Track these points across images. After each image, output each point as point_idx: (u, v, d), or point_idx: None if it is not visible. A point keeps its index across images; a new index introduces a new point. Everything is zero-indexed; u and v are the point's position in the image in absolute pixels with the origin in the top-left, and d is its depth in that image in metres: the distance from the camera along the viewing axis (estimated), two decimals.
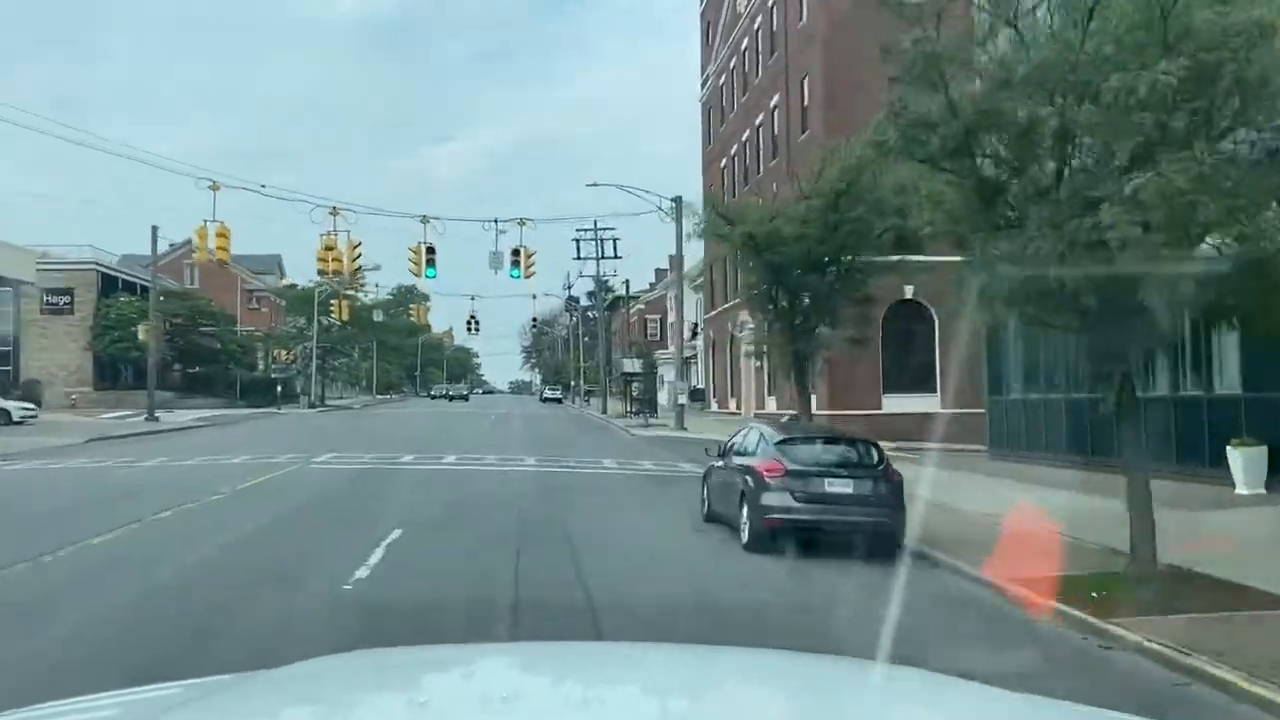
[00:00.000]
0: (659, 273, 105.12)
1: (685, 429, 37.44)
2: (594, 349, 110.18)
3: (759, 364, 45.61)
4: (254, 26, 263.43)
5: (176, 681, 2.38)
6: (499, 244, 31.86)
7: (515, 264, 32.42)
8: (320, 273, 29.54)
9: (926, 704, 2.29)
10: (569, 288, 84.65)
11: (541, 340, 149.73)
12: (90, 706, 2.26)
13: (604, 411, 57.28)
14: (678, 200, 40.28)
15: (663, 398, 54.30)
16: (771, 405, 43.07)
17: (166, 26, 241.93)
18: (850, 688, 2.41)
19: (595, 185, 36.17)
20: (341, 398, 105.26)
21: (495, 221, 31.34)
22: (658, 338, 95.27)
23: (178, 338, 69.53)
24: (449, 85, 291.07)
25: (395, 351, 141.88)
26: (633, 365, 48.53)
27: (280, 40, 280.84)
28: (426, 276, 30.65)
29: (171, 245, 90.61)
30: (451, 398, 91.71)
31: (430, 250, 30.38)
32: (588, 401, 78.01)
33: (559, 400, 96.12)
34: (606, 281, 59.35)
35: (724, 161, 52.47)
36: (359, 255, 29.23)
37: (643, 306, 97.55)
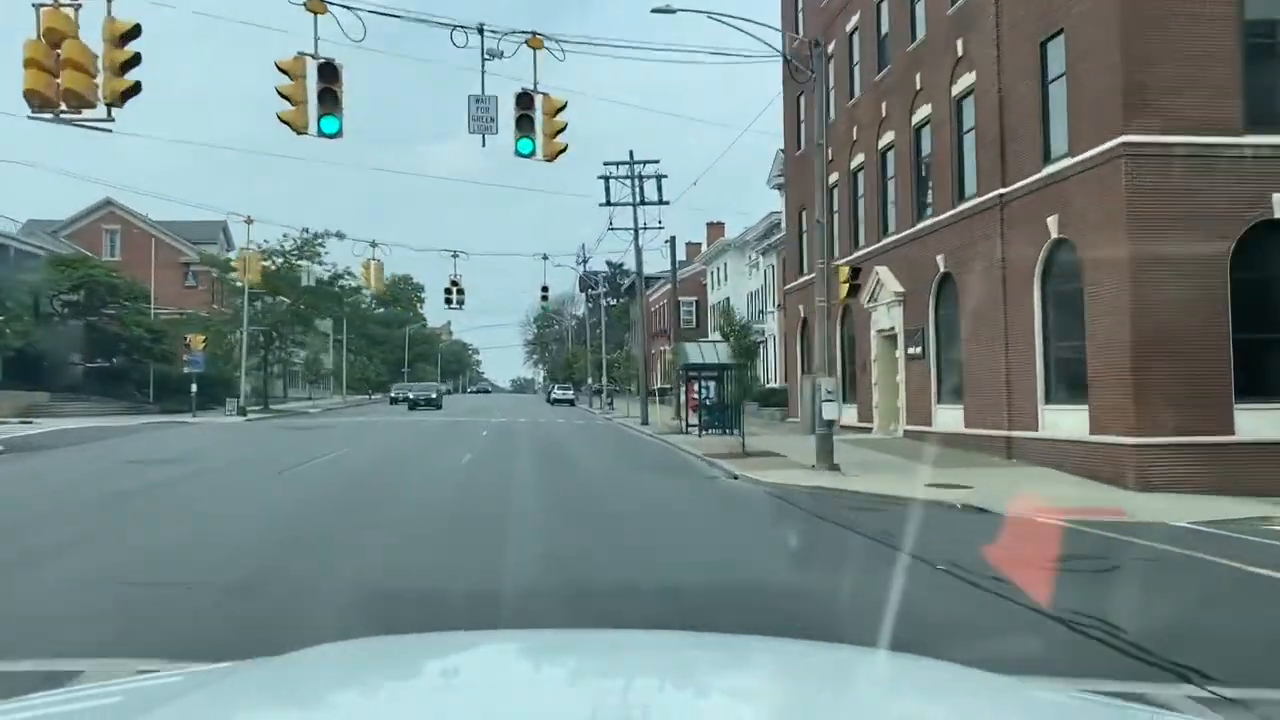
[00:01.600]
0: (691, 247, 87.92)
1: (838, 468, 20.23)
2: (617, 337, 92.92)
3: (916, 350, 28.43)
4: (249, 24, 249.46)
5: (179, 669, 2.40)
6: (485, 85, 14.56)
7: (525, 127, 14.97)
8: (30, 98, 12.23)
9: (934, 693, 2.21)
10: (584, 261, 67.52)
11: (547, 333, 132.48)
12: (93, 694, 2.22)
13: (645, 421, 40.06)
14: (815, 45, 23.05)
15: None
16: (950, 420, 25.80)
17: (157, 24, 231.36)
18: (858, 676, 2.39)
19: (667, 11, 18.99)
20: (310, 398, 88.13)
21: (480, 31, 14.09)
22: (693, 325, 78.20)
23: (71, 320, 52.45)
24: (445, 80, 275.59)
25: (380, 345, 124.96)
26: (702, 353, 31.16)
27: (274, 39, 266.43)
28: (321, 130, 13.47)
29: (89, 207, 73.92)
30: (415, 403, 61.08)
31: (328, 72, 13.16)
32: (611, 404, 60.70)
33: (571, 402, 79.08)
34: (630, 265, 42.04)
35: (854, 19, 34.27)
36: (133, 57, 12.12)
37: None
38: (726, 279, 64.50)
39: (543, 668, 2.45)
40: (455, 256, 36.27)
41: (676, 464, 23.68)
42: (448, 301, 36.92)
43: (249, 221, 36.49)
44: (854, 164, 33.23)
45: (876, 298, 30.58)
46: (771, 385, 45.46)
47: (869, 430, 30.95)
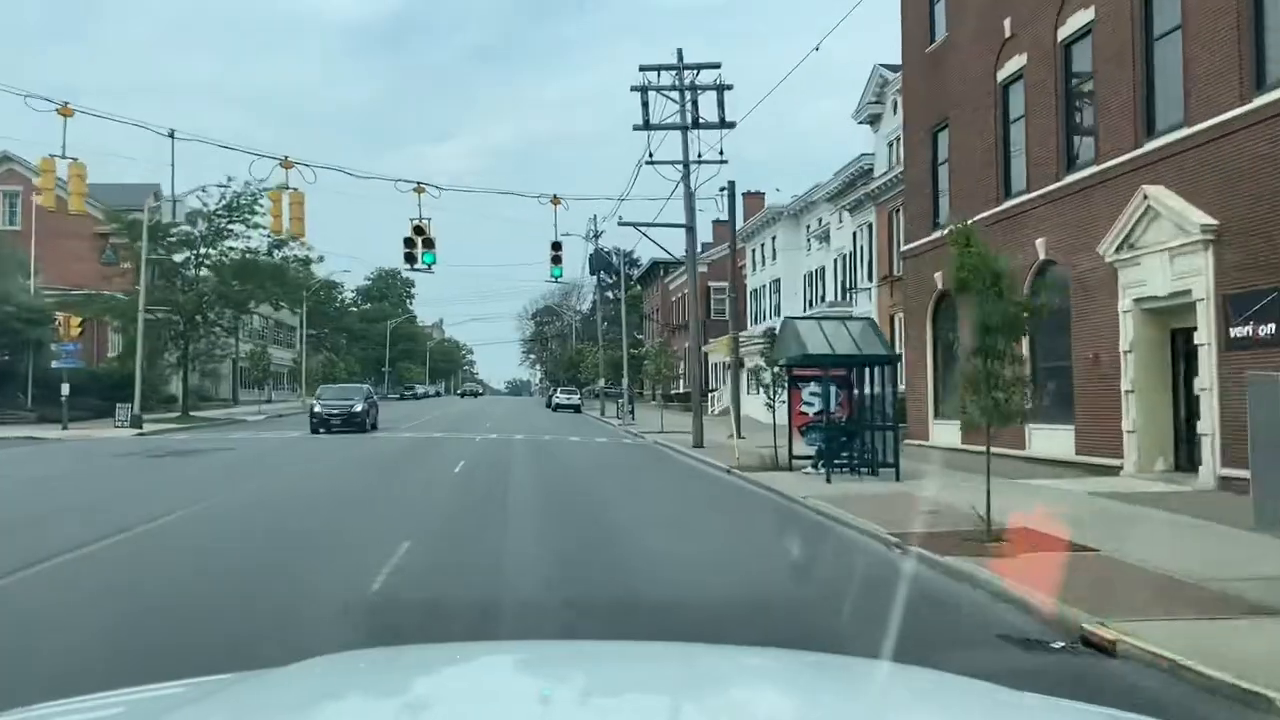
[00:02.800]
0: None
1: None
2: (623, 335, 79.92)
3: (1264, 330, 15.51)
4: (247, 23, 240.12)
5: (179, 681, 2.28)
6: None
7: None
8: None
9: (931, 704, 2.18)
10: (596, 234, 54.85)
11: (547, 329, 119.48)
12: (93, 705, 2.19)
13: (699, 444, 27.28)
14: None
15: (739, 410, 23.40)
16: None
17: (160, 23, 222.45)
18: (857, 688, 2.36)
19: None
20: (269, 400, 75.01)
21: None
22: (725, 317, 65.13)
23: None
24: (446, 81, 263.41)
25: (360, 341, 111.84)
26: (827, 338, 18.13)
27: (275, 39, 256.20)
28: None
29: None
30: (325, 422, 35.83)
31: None
32: (632, 413, 47.82)
33: (576, 408, 66.25)
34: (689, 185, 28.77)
35: None
36: None
37: (704, 269, 67.45)
38: (775, 257, 51.69)
39: (543, 680, 2.36)
40: (420, 191, 23.49)
41: (891, 586, 10.46)
42: (409, 258, 23.99)
43: (65, 113, 23.01)
44: (1064, 33, 20.37)
45: (1135, 240, 17.70)
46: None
47: (1113, 470, 18.07)
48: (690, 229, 28.44)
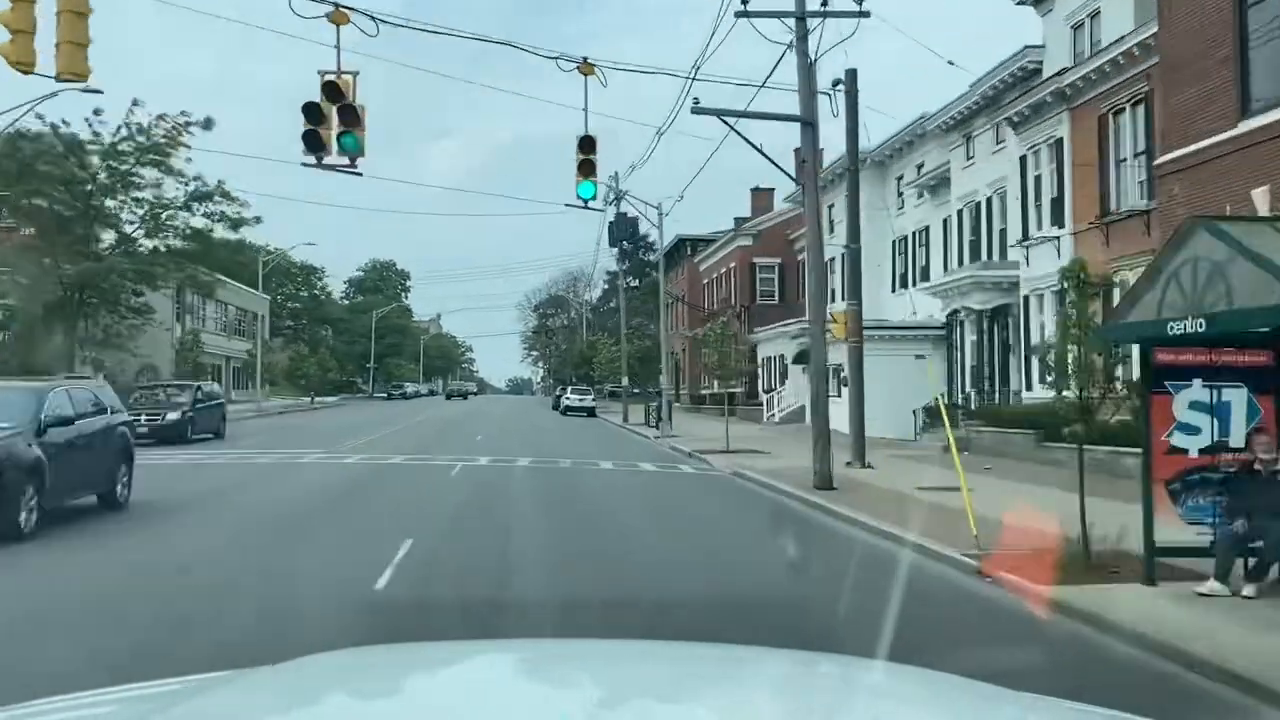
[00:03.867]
0: (758, 195, 63.20)
1: None
2: (643, 327, 68.70)
3: None
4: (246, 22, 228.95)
5: (174, 678, 2.24)
6: None
7: None
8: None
9: (930, 705, 2.14)
10: (618, 198, 43.44)
11: (553, 321, 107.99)
12: (87, 703, 2.17)
13: (826, 483, 16.00)
14: None
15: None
16: None
17: (158, 20, 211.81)
18: (854, 687, 2.31)
19: None
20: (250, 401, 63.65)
21: None
22: (774, 299, 53.76)
23: None
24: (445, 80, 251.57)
25: (342, 335, 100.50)
26: None
27: (274, 38, 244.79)
28: None
29: None
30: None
31: None
32: (669, 420, 36.50)
33: (590, 411, 55.29)
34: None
35: None
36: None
37: (748, 241, 56.07)
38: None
39: (540, 679, 2.35)
40: (340, 21, 12.36)
41: None
42: (311, 141, 12.60)
43: None
44: None
45: None
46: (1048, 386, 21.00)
47: None
48: (809, 124, 17.10)
